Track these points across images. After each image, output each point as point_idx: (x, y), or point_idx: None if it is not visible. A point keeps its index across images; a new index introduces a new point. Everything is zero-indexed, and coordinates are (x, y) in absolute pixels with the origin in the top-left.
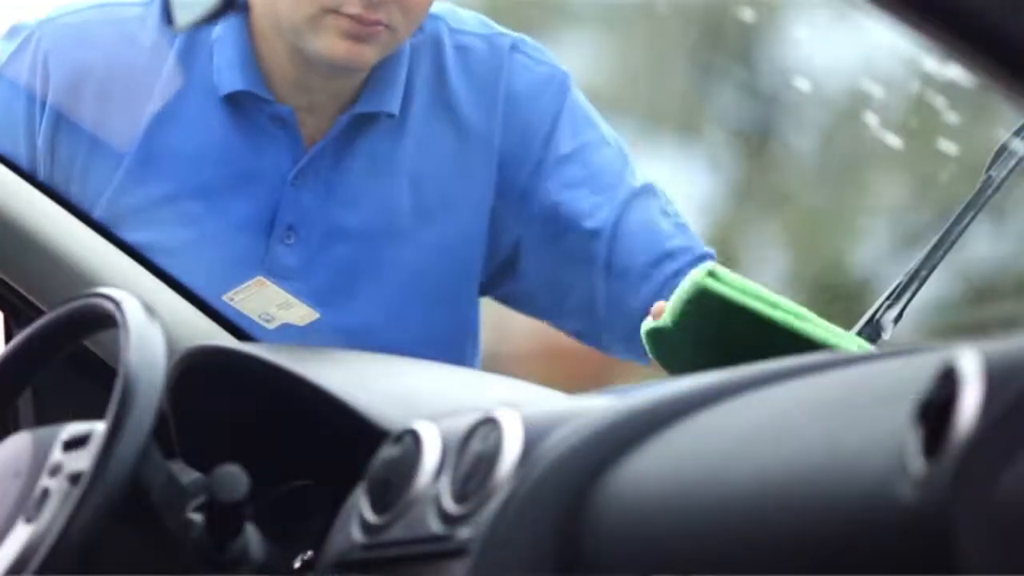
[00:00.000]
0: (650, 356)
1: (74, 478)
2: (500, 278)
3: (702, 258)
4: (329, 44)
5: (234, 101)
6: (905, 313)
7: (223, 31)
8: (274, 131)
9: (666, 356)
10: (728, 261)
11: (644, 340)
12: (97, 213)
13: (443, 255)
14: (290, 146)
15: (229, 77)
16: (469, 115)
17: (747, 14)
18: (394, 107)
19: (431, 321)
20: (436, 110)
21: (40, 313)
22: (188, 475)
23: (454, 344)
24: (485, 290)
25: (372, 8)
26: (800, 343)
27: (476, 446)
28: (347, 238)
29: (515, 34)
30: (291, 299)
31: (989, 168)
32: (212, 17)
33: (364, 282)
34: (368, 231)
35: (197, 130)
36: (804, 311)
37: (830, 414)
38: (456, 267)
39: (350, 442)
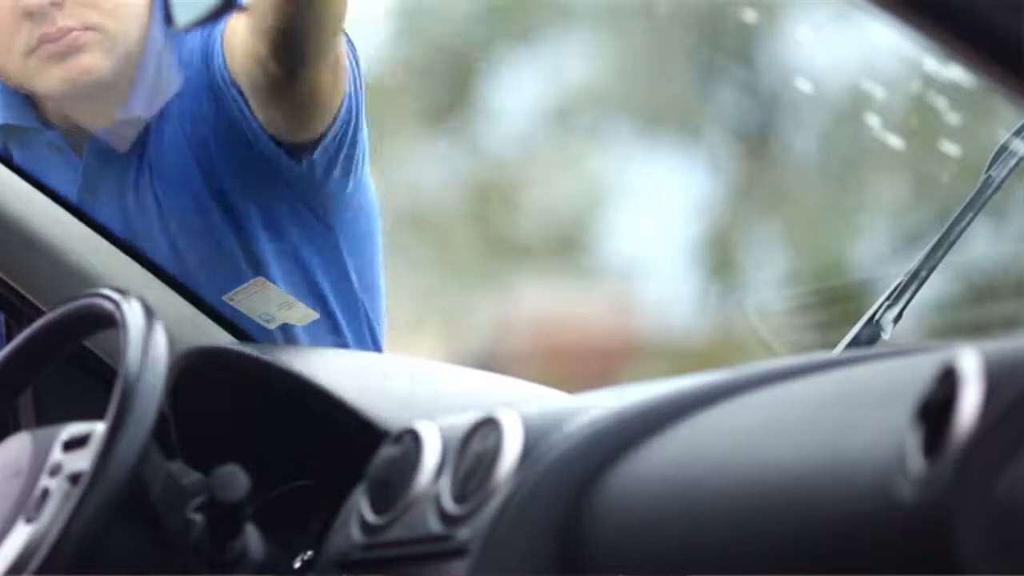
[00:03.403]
0: None
1: (74, 478)
2: None
3: None
4: (47, 79)
5: (14, 134)
6: (905, 313)
7: None
8: (51, 158)
9: None
10: (728, 261)
11: None
12: None
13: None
14: (70, 169)
15: (1, 112)
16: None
17: (747, 14)
18: (141, 110)
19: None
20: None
21: (40, 313)
22: (188, 475)
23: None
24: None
25: (45, 22)
26: None
27: (476, 446)
28: (140, 238)
29: None
30: (291, 299)
31: (989, 168)
32: (212, 17)
33: (192, 258)
34: (149, 223)
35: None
36: None
37: (830, 414)
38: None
39: (350, 442)
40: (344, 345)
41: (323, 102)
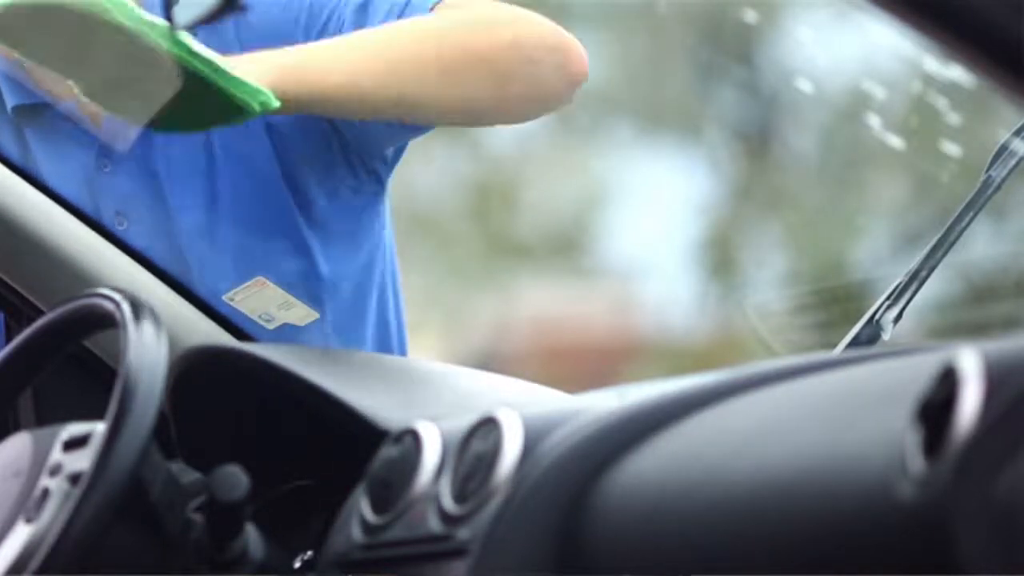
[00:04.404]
0: None
1: (74, 478)
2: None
3: None
4: None
5: (26, 113)
6: (905, 313)
7: None
8: (67, 128)
9: None
10: (728, 261)
11: None
12: None
13: (253, 183)
14: (86, 137)
15: (7, 93)
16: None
17: (747, 14)
18: None
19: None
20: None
21: (40, 313)
22: (188, 475)
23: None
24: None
25: None
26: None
27: (476, 446)
28: (175, 203)
29: None
30: (291, 299)
31: (989, 168)
32: (212, 17)
33: (212, 236)
34: (191, 187)
35: (13, 151)
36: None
37: (830, 414)
38: (268, 190)
39: (350, 442)
40: (380, 335)
41: None
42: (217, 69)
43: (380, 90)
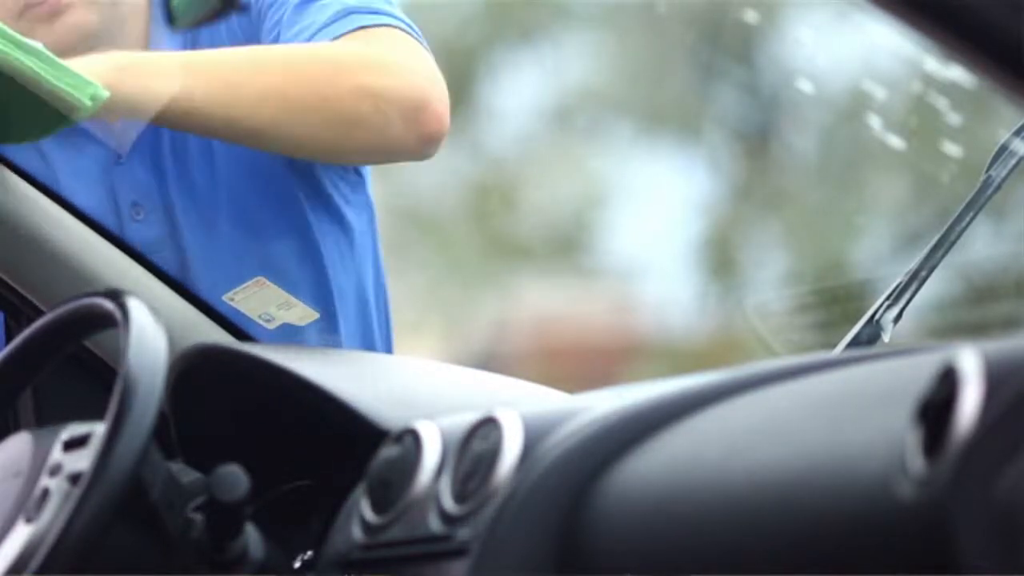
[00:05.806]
0: None
1: (74, 478)
2: None
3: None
4: (40, 40)
5: None
6: (905, 313)
7: None
8: (80, 123)
9: None
10: (728, 261)
11: None
12: None
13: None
14: (101, 132)
15: None
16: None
17: (747, 14)
18: (176, 44)
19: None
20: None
21: (40, 313)
22: (188, 475)
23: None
24: None
25: None
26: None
27: (476, 446)
28: (192, 194)
29: None
30: (291, 299)
31: (989, 168)
32: (212, 16)
33: (224, 230)
34: (206, 180)
35: (27, 147)
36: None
37: (830, 414)
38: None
39: (350, 442)
40: (349, 337)
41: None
42: (46, 58)
43: (211, 108)
